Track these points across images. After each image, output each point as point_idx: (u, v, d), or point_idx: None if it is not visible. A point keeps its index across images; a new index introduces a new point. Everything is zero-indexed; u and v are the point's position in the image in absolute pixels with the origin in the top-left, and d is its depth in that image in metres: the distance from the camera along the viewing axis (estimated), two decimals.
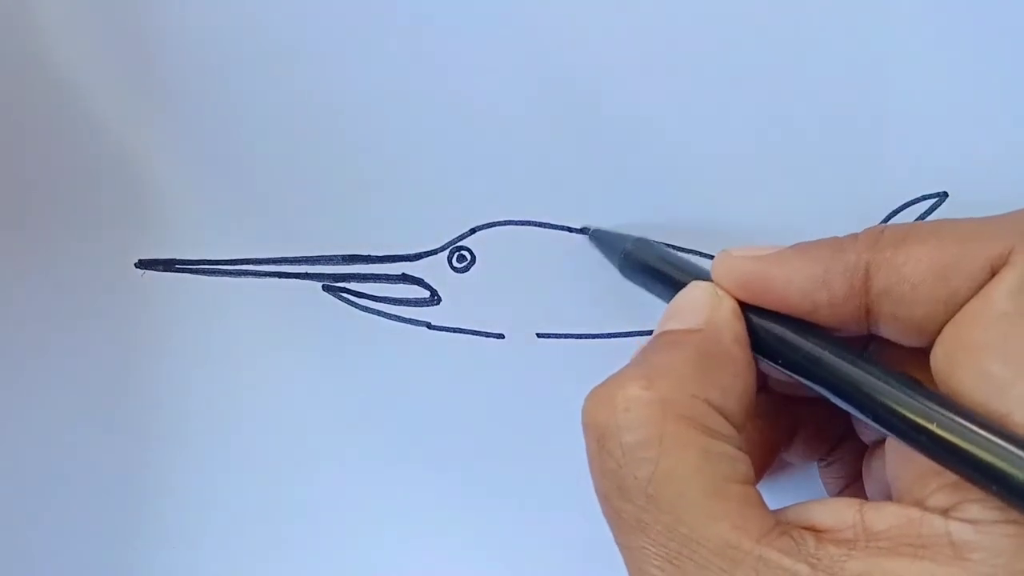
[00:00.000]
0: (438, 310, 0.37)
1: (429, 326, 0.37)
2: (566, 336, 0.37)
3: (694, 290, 0.29)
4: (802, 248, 0.28)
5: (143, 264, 0.37)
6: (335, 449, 0.38)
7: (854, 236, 0.28)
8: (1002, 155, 0.36)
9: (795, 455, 0.33)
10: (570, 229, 0.37)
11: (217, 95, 0.36)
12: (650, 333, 0.37)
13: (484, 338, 0.37)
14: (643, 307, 0.37)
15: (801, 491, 0.35)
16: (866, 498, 0.30)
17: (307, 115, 0.37)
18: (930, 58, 0.36)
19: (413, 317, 0.37)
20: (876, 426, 0.26)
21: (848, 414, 0.27)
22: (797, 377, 0.27)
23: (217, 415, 0.38)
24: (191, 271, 0.37)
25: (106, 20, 0.36)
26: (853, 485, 0.32)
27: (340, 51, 0.36)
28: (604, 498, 0.27)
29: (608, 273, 0.37)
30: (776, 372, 0.28)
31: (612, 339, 0.37)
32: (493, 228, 0.37)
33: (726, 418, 0.26)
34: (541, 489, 0.38)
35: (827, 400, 0.27)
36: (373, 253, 0.37)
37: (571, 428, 0.37)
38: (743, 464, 0.26)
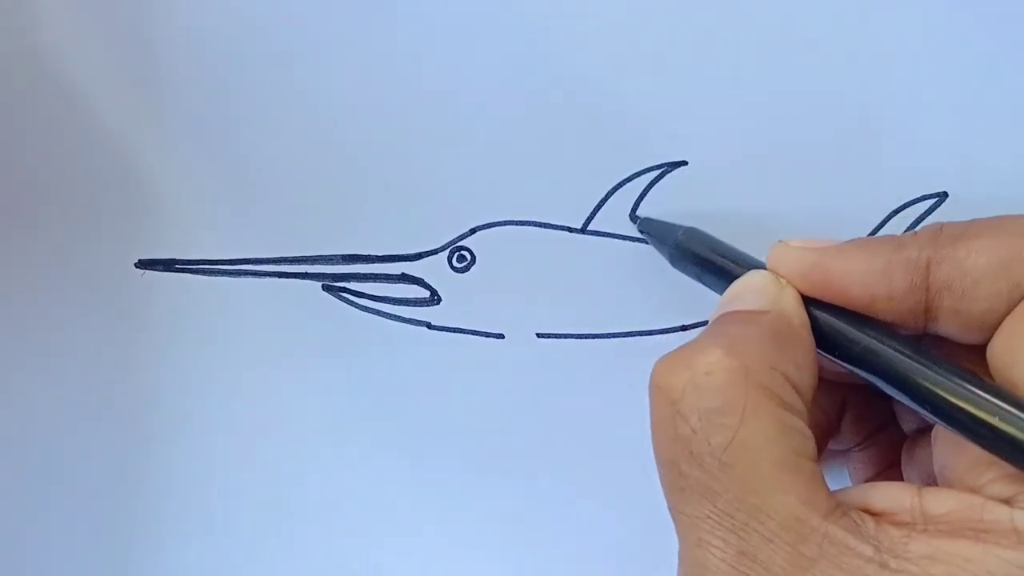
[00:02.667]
0: (438, 310, 0.37)
1: (429, 326, 0.37)
2: (566, 336, 0.37)
3: (756, 276, 0.29)
4: (862, 243, 0.28)
5: (143, 264, 0.37)
6: (335, 449, 0.38)
7: (913, 233, 0.28)
8: (1002, 155, 0.36)
9: (836, 441, 0.33)
10: (570, 229, 0.37)
11: (217, 95, 0.36)
12: (651, 333, 0.37)
13: (484, 338, 0.37)
14: (643, 307, 0.37)
15: None
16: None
17: (307, 115, 0.37)
18: (930, 58, 0.36)
19: (413, 317, 0.37)
20: (933, 418, 0.26)
21: (888, 401, 0.27)
22: (853, 368, 0.27)
23: (217, 415, 0.38)
24: (191, 271, 0.37)
25: (106, 20, 0.36)
26: (886, 472, 0.32)
27: (340, 51, 0.36)
28: (669, 463, 0.26)
29: (608, 273, 0.37)
30: (828, 362, 0.28)
31: (612, 339, 0.37)
32: (493, 228, 0.37)
33: (799, 395, 0.26)
34: (541, 489, 0.38)
35: (872, 389, 0.27)
36: (373, 253, 0.37)
37: (571, 428, 0.37)
38: (811, 441, 0.26)
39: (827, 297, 0.28)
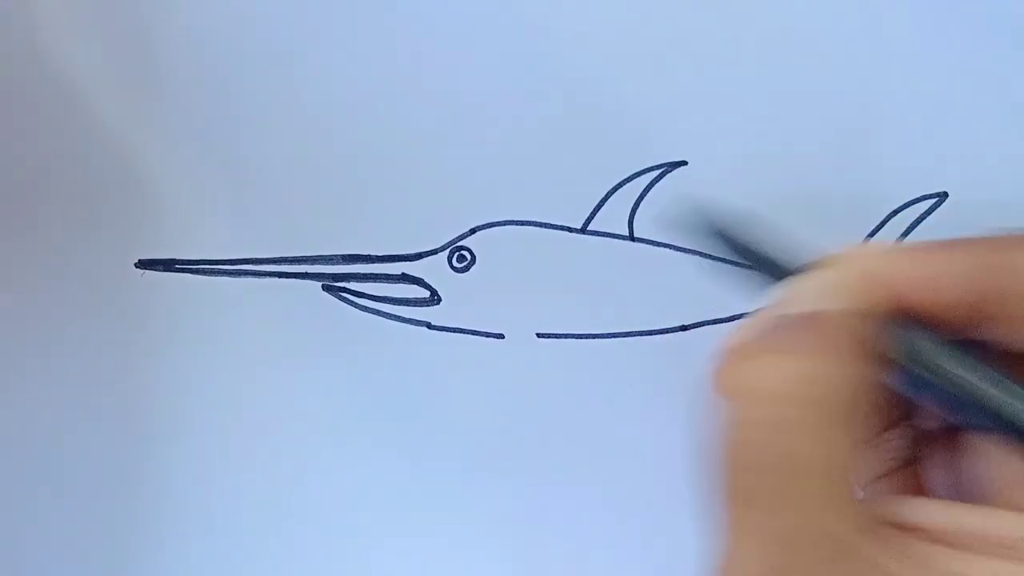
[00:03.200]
0: (438, 310, 0.37)
1: (429, 326, 0.37)
2: (566, 336, 0.37)
3: (815, 277, 0.28)
4: (919, 247, 0.28)
5: (143, 264, 0.37)
6: (335, 449, 0.38)
7: (972, 238, 0.27)
8: (1002, 155, 0.36)
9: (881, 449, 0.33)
10: (570, 229, 0.37)
11: (217, 95, 0.37)
12: (651, 333, 0.37)
13: (484, 338, 0.37)
14: (643, 307, 0.37)
15: None
16: (917, 484, 0.30)
17: (307, 115, 0.37)
18: (930, 58, 0.36)
19: (413, 317, 0.37)
20: (983, 428, 0.25)
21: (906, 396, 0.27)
22: (903, 375, 0.27)
23: (217, 415, 0.38)
24: (191, 271, 0.37)
25: (106, 20, 0.36)
26: (898, 473, 0.32)
27: (340, 51, 0.36)
28: (722, 467, 0.26)
29: (608, 273, 0.37)
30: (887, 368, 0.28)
31: (612, 339, 0.37)
32: (493, 228, 0.37)
33: (853, 407, 0.26)
34: (541, 489, 0.38)
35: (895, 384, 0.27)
36: (373, 253, 0.37)
37: (571, 428, 0.37)
38: (856, 455, 0.26)
39: (887, 301, 0.27)
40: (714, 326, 0.37)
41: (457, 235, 0.37)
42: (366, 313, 0.37)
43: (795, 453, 0.25)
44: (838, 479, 0.25)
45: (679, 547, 0.37)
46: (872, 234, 0.36)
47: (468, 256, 0.37)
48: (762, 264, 0.30)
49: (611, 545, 0.38)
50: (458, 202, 0.37)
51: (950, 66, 0.36)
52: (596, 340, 0.37)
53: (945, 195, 0.36)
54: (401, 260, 0.37)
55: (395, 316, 0.37)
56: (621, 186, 0.37)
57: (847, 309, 0.27)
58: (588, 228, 0.37)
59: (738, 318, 0.37)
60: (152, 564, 0.38)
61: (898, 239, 0.36)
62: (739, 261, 0.31)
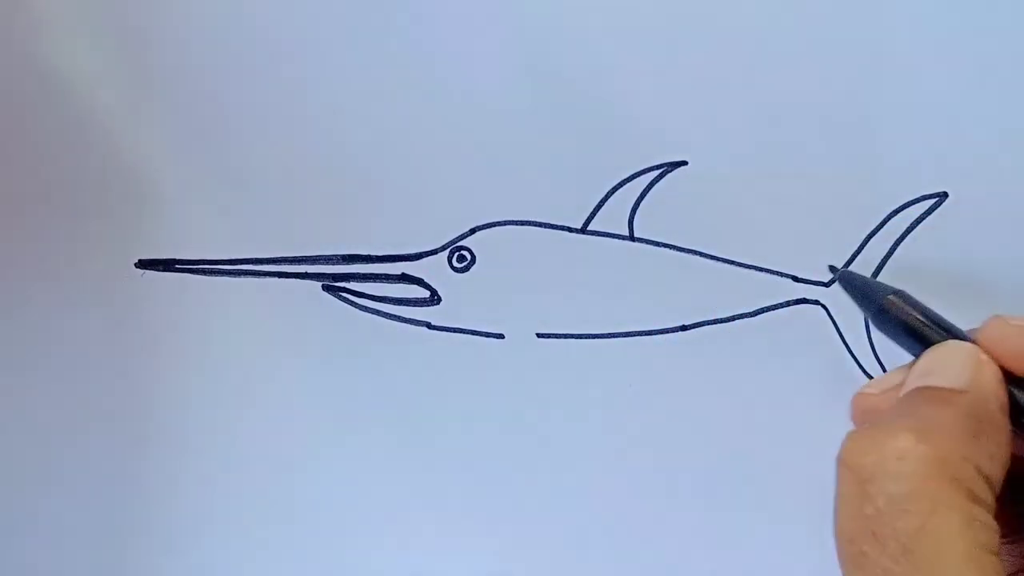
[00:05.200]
0: (438, 310, 0.37)
1: (429, 326, 0.37)
2: (566, 336, 0.37)
3: (957, 350, 0.28)
4: None
5: (143, 264, 0.37)
6: (335, 448, 0.38)
7: None
8: (1002, 155, 0.36)
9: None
10: (570, 229, 0.37)
11: (217, 95, 0.36)
12: (651, 333, 0.37)
13: (484, 338, 0.37)
14: (643, 307, 0.37)
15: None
16: None
17: (307, 115, 0.37)
18: (930, 58, 0.36)
19: (413, 317, 0.37)
20: None
21: None
22: None
23: (217, 414, 0.38)
24: (191, 271, 0.37)
25: (106, 20, 0.36)
26: None
27: (340, 51, 0.36)
28: (850, 540, 0.26)
29: (608, 273, 0.37)
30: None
31: (612, 339, 0.37)
32: (493, 228, 0.37)
33: (989, 486, 0.26)
34: (541, 488, 0.38)
35: None
36: (373, 253, 0.37)
37: (571, 428, 0.37)
38: (996, 534, 0.26)
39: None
40: (714, 326, 0.37)
41: (457, 235, 0.37)
42: (366, 313, 0.37)
43: (929, 530, 0.24)
44: (976, 559, 0.25)
45: (678, 545, 0.38)
46: (872, 234, 0.36)
47: (468, 256, 0.37)
48: (918, 336, 0.30)
49: (611, 544, 0.38)
50: (458, 202, 0.37)
51: (950, 66, 0.36)
52: (596, 340, 0.37)
53: (945, 195, 0.36)
54: (401, 260, 0.37)
55: (395, 316, 0.37)
56: (621, 186, 0.36)
57: (988, 386, 0.27)
58: (588, 228, 0.37)
59: (738, 318, 0.37)
60: (152, 563, 0.38)
61: (898, 239, 0.36)
62: (894, 333, 0.31)
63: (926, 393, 0.27)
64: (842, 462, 0.26)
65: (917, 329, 0.30)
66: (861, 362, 0.36)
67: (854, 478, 0.26)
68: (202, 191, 0.37)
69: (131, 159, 0.37)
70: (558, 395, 0.37)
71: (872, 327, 0.33)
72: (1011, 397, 0.27)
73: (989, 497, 0.26)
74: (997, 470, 0.26)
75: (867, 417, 0.29)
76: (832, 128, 0.36)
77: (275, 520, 0.38)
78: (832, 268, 0.36)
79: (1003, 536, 0.31)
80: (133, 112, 0.37)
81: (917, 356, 0.29)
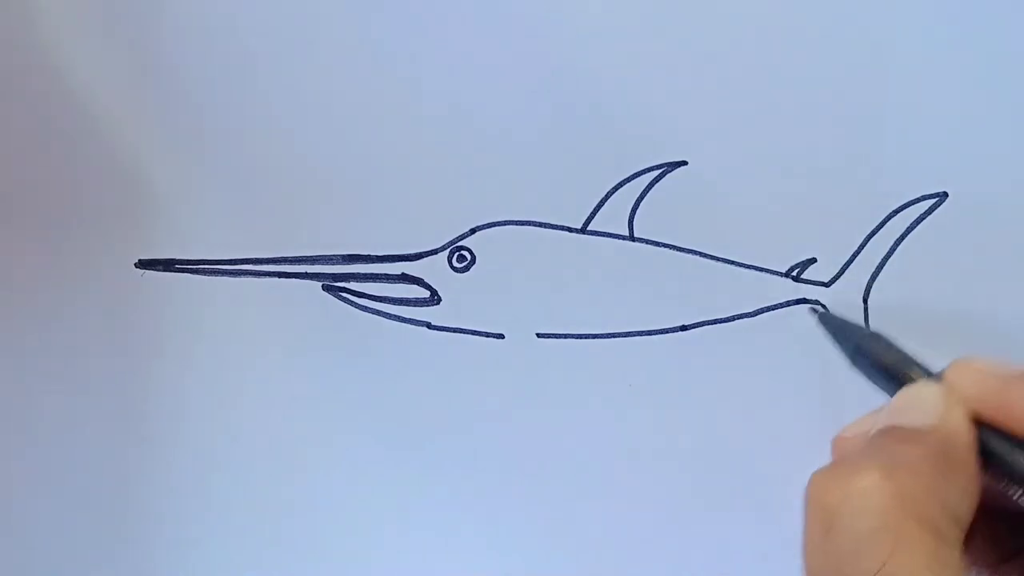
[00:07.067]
0: (438, 310, 0.37)
1: (429, 326, 0.37)
2: (566, 336, 0.37)
3: (926, 389, 0.28)
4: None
5: (143, 264, 0.37)
6: (335, 448, 0.38)
7: None
8: (1002, 155, 0.36)
9: (971, 557, 0.32)
10: (570, 229, 0.37)
11: (217, 95, 0.36)
12: (651, 333, 0.37)
13: (484, 338, 0.37)
14: (643, 307, 0.37)
15: None
16: None
17: (307, 115, 0.37)
18: (931, 58, 0.36)
19: (413, 317, 0.37)
20: None
21: None
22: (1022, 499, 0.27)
23: (217, 414, 0.38)
24: (191, 271, 0.37)
25: (106, 20, 0.36)
26: None
27: (340, 52, 0.36)
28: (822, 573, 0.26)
29: (608, 273, 0.37)
30: (991, 484, 0.28)
31: (612, 339, 0.37)
32: (493, 228, 0.37)
33: (955, 524, 0.26)
34: (541, 488, 0.38)
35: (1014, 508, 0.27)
36: (373, 253, 0.37)
37: (571, 428, 0.37)
38: (962, 573, 0.26)
39: (1004, 424, 0.27)
40: (714, 326, 0.37)
41: (457, 235, 0.37)
42: (366, 313, 0.37)
43: (893, 569, 0.24)
44: None
45: (678, 545, 0.38)
46: (872, 234, 0.36)
47: (468, 256, 0.37)
48: (891, 376, 0.30)
49: (609, 544, 0.38)
50: (458, 202, 0.37)
51: (951, 66, 0.36)
52: (596, 340, 0.37)
53: (945, 195, 0.36)
54: (401, 260, 0.37)
55: (395, 316, 0.37)
56: (621, 186, 0.37)
57: (956, 426, 0.27)
58: (588, 228, 0.37)
59: (738, 318, 0.37)
60: (152, 563, 0.38)
61: (898, 239, 0.36)
62: (871, 374, 0.31)
63: (894, 432, 0.28)
64: (808, 499, 0.26)
65: (891, 369, 0.31)
66: None
67: (820, 515, 0.26)
68: (202, 191, 0.37)
69: (131, 159, 0.37)
70: (558, 395, 0.37)
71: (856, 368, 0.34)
72: (979, 437, 0.27)
73: (956, 535, 0.26)
74: (964, 509, 0.26)
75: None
76: (832, 128, 0.36)
77: (275, 519, 0.38)
78: (812, 309, 0.36)
79: (988, 566, 0.31)
80: (133, 112, 0.37)
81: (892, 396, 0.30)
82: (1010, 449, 0.27)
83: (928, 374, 0.30)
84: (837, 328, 0.35)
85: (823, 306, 0.37)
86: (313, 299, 0.37)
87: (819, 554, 0.26)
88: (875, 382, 0.32)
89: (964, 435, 0.27)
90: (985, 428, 0.27)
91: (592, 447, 0.37)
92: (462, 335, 0.37)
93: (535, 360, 0.37)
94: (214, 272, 0.37)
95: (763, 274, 0.37)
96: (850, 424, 0.29)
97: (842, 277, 0.37)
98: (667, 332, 0.37)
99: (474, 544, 0.38)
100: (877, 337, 0.33)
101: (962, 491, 0.26)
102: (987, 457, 0.27)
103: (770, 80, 0.36)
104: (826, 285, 0.37)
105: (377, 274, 0.37)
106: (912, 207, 0.36)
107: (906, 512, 0.25)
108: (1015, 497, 0.27)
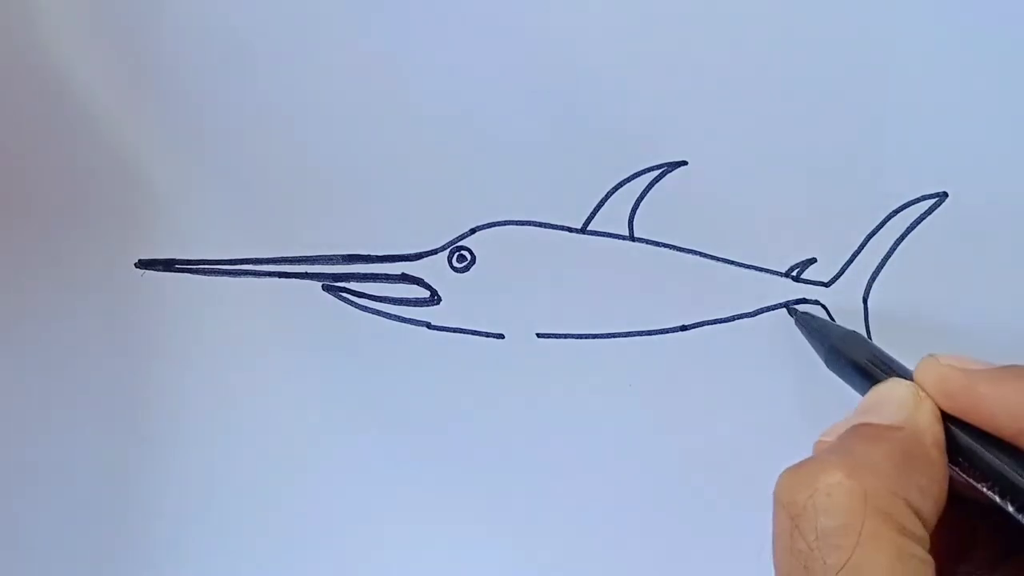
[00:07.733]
0: (438, 310, 0.37)
1: (429, 326, 0.37)
2: (566, 336, 0.37)
3: (895, 387, 0.29)
4: (1018, 372, 0.28)
5: (143, 264, 0.37)
6: (335, 448, 0.38)
7: None
8: (1002, 155, 0.36)
9: (968, 563, 0.32)
10: (570, 229, 0.37)
11: (217, 95, 0.36)
12: (651, 333, 0.37)
13: (484, 338, 0.37)
14: (643, 307, 0.37)
15: None
16: None
17: (307, 115, 0.37)
18: (931, 58, 0.36)
19: (413, 317, 0.37)
20: None
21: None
22: (991, 494, 0.27)
23: (217, 415, 0.38)
24: (191, 271, 0.37)
25: (106, 20, 0.36)
26: None
27: (340, 51, 0.36)
28: (785, 574, 0.26)
29: (608, 273, 0.37)
30: (961, 479, 0.28)
31: (612, 339, 0.37)
32: (493, 228, 0.37)
33: (921, 520, 0.26)
34: (541, 489, 0.38)
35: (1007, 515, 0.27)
36: (373, 253, 0.37)
37: (571, 428, 0.37)
38: (930, 569, 0.26)
39: (972, 420, 0.27)
40: (714, 326, 0.37)
41: (457, 235, 0.37)
42: (366, 313, 0.37)
43: (857, 564, 0.25)
44: None
45: (678, 545, 0.38)
46: (872, 234, 0.36)
47: (468, 256, 0.37)
48: (865, 375, 0.31)
49: (609, 544, 0.38)
50: (458, 202, 0.37)
51: (951, 66, 0.36)
52: (596, 340, 0.37)
53: (945, 195, 0.36)
54: (401, 260, 0.37)
55: (395, 316, 0.37)
56: (621, 186, 0.37)
57: (924, 423, 0.27)
58: (588, 228, 0.37)
59: (738, 318, 0.37)
60: (152, 563, 0.38)
61: (898, 239, 0.36)
62: (844, 373, 0.32)
63: (861, 430, 0.28)
64: (776, 497, 0.27)
65: (864, 368, 0.31)
66: None
67: (786, 513, 0.26)
68: (202, 191, 0.37)
69: (131, 159, 0.37)
70: (558, 395, 0.37)
71: (831, 369, 0.34)
72: (947, 434, 0.27)
73: (921, 531, 0.26)
74: (930, 505, 0.26)
75: None
76: (832, 128, 0.36)
77: (274, 519, 0.38)
78: (791, 310, 0.36)
79: (986, 570, 0.31)
80: (133, 112, 0.37)
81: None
82: (978, 445, 0.27)
83: (900, 373, 0.30)
84: (814, 329, 0.35)
85: (823, 306, 0.37)
86: (313, 299, 0.37)
87: (786, 551, 0.26)
88: (848, 382, 0.32)
89: (932, 432, 0.27)
90: (954, 424, 0.27)
91: (592, 447, 0.37)
92: (462, 335, 0.37)
93: (535, 360, 0.37)
94: (214, 272, 0.37)
95: (763, 274, 0.37)
96: (830, 428, 0.29)
97: (842, 277, 0.37)
98: (667, 332, 0.37)
99: (474, 544, 0.38)
100: (852, 337, 0.33)
101: (926, 488, 0.26)
102: (956, 453, 0.27)
103: (770, 80, 0.36)
104: (826, 285, 0.37)
105: (377, 274, 0.37)
106: (912, 207, 0.36)
107: (870, 509, 0.25)
108: (985, 491, 0.27)
